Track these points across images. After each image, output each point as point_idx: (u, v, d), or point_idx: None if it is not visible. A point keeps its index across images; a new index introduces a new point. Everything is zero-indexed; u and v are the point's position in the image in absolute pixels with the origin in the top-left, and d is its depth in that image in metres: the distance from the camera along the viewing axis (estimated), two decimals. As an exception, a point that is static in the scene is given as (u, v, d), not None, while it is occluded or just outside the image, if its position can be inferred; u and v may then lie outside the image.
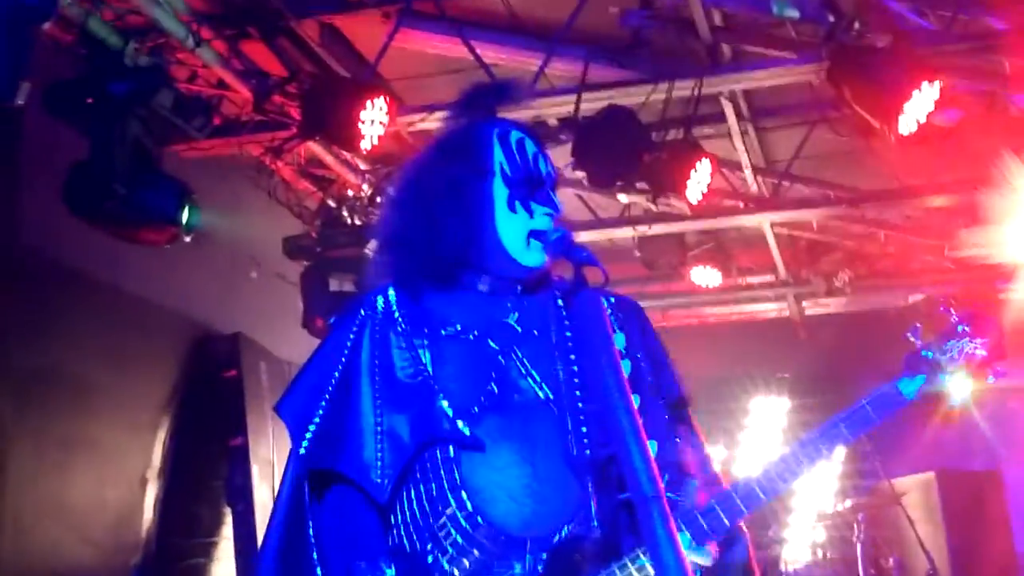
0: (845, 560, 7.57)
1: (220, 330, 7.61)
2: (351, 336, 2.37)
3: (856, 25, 5.28)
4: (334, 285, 7.45)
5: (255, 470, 7.28)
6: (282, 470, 2.41)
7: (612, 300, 2.48)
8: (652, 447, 2.06)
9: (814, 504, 8.54)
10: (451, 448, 2.23)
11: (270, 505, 7.42)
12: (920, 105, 5.17)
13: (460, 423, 2.22)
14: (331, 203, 7.48)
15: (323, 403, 2.32)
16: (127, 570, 6.64)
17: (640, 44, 5.82)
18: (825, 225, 9.13)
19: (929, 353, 2.26)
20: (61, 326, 6.01)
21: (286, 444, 7.40)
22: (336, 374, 2.34)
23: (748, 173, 7.54)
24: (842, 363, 9.49)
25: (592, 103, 6.00)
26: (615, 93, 5.96)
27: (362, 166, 7.32)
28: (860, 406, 2.25)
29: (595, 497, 2.20)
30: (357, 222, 7.44)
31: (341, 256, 7.36)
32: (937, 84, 5.10)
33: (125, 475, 6.72)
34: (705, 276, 9.28)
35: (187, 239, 5.45)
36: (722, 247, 9.59)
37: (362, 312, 2.40)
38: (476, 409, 2.25)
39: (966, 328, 2.26)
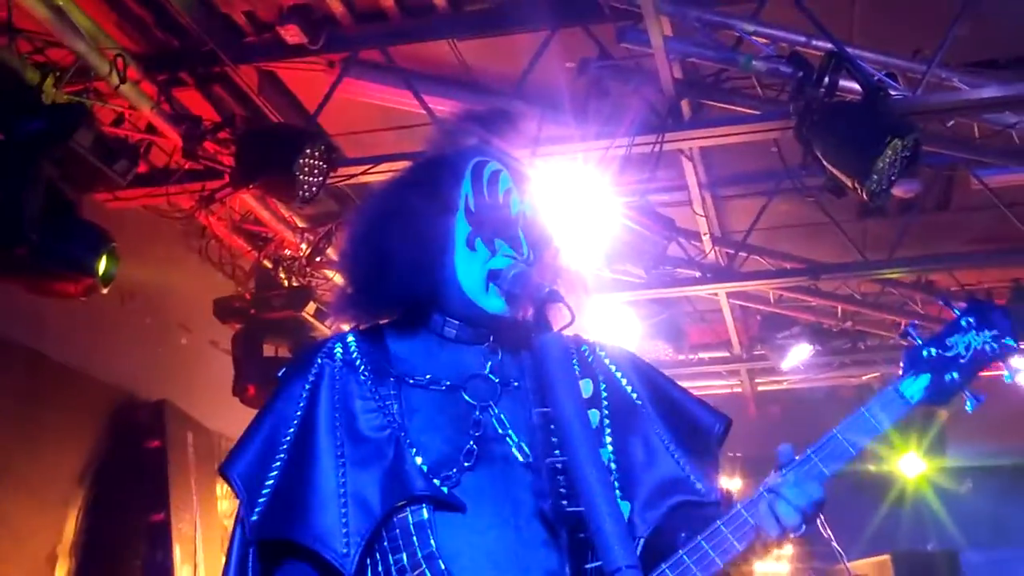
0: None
1: (144, 397, 7.15)
2: (307, 387, 2.11)
3: (825, 81, 5.03)
4: (268, 350, 7.10)
5: (177, 549, 6.82)
6: (228, 541, 2.14)
7: (585, 345, 2.25)
8: (625, 508, 1.87)
9: None
10: (425, 511, 1.95)
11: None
12: (890, 164, 4.92)
13: (436, 481, 1.96)
14: (266, 263, 7.10)
15: (277, 463, 2.04)
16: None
17: (597, 96, 5.54)
18: (781, 298, 8.93)
19: (931, 349, 2.01)
20: (-32, 389, 5.60)
21: (212, 521, 6.81)
22: (291, 430, 2.07)
23: (706, 240, 7.28)
24: (793, 441, 9.34)
25: (547, 159, 5.71)
26: (571, 148, 5.66)
27: (300, 224, 6.96)
28: (859, 413, 2.00)
29: (570, 565, 1.93)
30: (294, 283, 7.06)
31: (276, 319, 6.98)
32: (910, 141, 4.85)
33: (32, 552, 6.20)
34: (656, 349, 9.04)
35: (104, 291, 5.01)
36: (674, 320, 9.37)
37: (319, 360, 2.14)
38: (454, 469, 1.99)
39: (971, 320, 2.02)
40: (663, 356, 9.22)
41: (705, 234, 7.32)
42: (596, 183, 5.80)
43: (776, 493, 1.93)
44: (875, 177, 4.78)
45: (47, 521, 6.36)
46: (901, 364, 2.04)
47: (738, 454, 10.09)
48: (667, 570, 1.90)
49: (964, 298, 2.04)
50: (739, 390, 10.27)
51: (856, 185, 4.87)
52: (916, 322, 2.11)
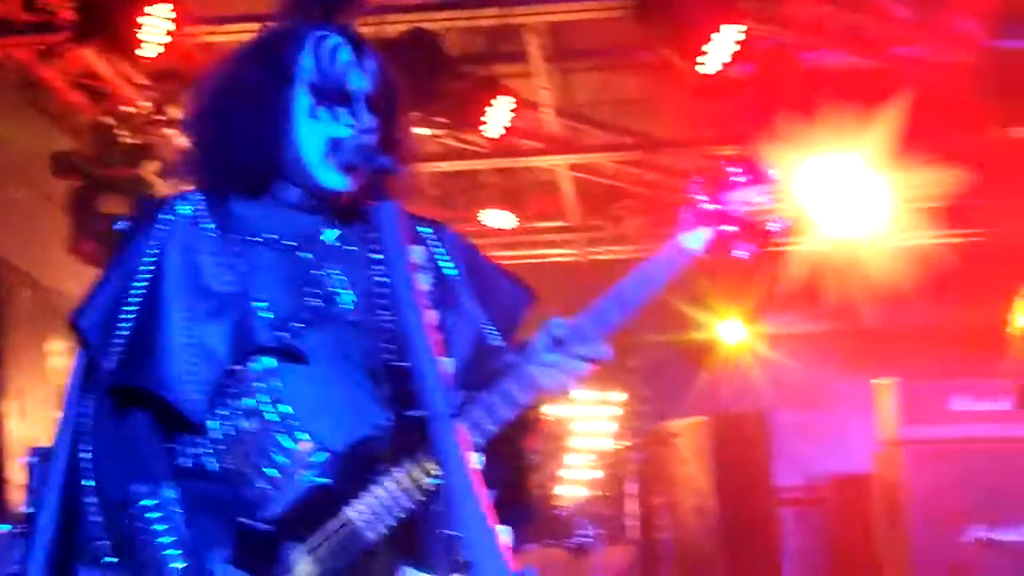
0: (619, 498, 7.72)
1: (-24, 254, 7.01)
2: (154, 243, 2.19)
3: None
4: (106, 207, 7.01)
5: (12, 406, 6.79)
6: (68, 388, 2.21)
7: (417, 217, 2.40)
8: (450, 364, 2.00)
9: (591, 444, 8.67)
10: (270, 360, 2.12)
11: (25, 445, 6.87)
12: (722, 47, 5.16)
13: (282, 334, 2.13)
14: (106, 119, 6.96)
15: (127, 315, 2.14)
16: None
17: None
18: (619, 171, 9.16)
19: (711, 204, 2.17)
20: None
21: (46, 379, 6.85)
22: (140, 284, 2.16)
23: (549, 113, 7.44)
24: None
25: (395, 26, 5.73)
26: (420, 17, 5.70)
27: (141, 81, 6.82)
28: (643, 267, 2.17)
29: (395, 411, 2.11)
30: (134, 141, 6.95)
31: (115, 176, 6.90)
32: (739, 27, 5.08)
33: None
34: (497, 218, 9.21)
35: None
36: (516, 189, 9.52)
37: (165, 216, 2.23)
38: (297, 324, 2.15)
39: (748, 177, 2.19)
40: (503, 225, 9.36)
41: (547, 106, 7.47)
42: (442, 53, 5.87)
43: (561, 351, 2.12)
44: (705, 60, 5.00)
45: None
46: (685, 219, 2.17)
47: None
48: (466, 412, 2.08)
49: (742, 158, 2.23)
50: (576, 259, 10.48)
51: (690, 63, 5.08)
52: (699, 178, 2.24)
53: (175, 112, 6.93)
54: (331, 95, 2.23)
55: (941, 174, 7.48)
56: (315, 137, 2.22)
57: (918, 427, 7.35)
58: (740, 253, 2.21)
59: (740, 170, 2.20)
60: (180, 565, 2.00)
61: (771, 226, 2.22)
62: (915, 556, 7.15)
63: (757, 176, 2.21)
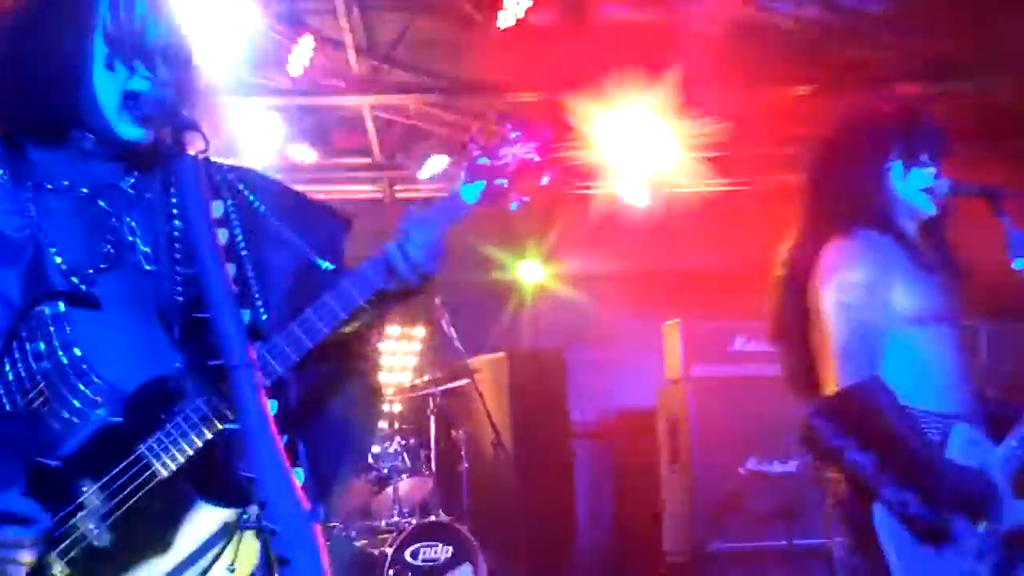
0: (419, 431, 7.88)
1: None
2: None
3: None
4: None
5: None
6: None
7: (223, 169, 2.42)
8: (245, 315, 2.06)
9: (392, 378, 8.82)
10: (61, 304, 2.17)
11: None
12: (519, 3, 5.31)
13: (74, 279, 2.18)
14: None
15: None
16: None
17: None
18: (421, 112, 9.24)
19: (485, 159, 2.29)
20: None
21: None
22: None
23: (351, 53, 7.46)
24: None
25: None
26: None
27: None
28: (424, 213, 2.28)
29: (192, 363, 2.20)
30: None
31: None
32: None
33: None
34: (301, 153, 9.17)
35: None
36: (320, 126, 9.49)
37: None
38: (91, 270, 2.20)
39: (518, 134, 2.30)
40: (307, 160, 9.32)
41: (350, 47, 7.49)
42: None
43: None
44: (503, 14, 5.13)
45: None
46: (462, 173, 2.30)
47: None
48: (294, 328, 2.18)
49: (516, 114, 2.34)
50: (380, 195, 10.53)
51: (485, 19, 5.21)
52: (475, 136, 2.33)
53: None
54: (128, 47, 2.22)
55: (724, 126, 7.87)
56: (111, 89, 2.22)
57: (701, 366, 7.79)
58: (512, 206, 2.34)
59: (512, 126, 2.31)
60: None
61: (542, 180, 2.34)
62: (694, 485, 7.61)
63: (529, 132, 2.31)
